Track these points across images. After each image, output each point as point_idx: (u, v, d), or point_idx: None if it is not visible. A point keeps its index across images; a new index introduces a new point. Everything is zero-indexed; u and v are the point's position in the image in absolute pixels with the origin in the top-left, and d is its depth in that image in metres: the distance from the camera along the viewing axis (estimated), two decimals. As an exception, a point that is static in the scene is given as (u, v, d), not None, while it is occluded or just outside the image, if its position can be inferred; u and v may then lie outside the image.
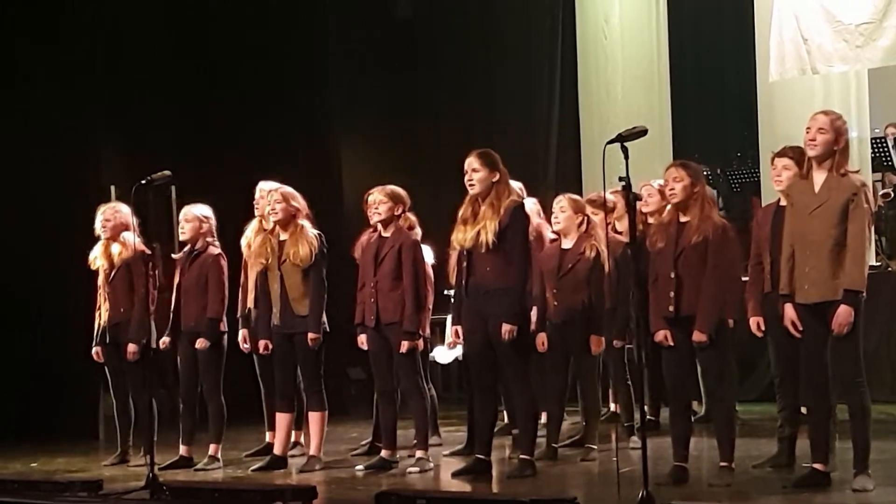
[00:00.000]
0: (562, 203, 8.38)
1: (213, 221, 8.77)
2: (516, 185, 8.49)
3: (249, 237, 8.80)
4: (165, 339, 8.70)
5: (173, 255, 8.83)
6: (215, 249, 8.71)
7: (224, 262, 8.68)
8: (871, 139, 12.38)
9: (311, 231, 8.30)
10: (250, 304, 8.77)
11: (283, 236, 8.30)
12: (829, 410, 6.94)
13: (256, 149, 11.55)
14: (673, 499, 6.07)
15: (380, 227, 8.20)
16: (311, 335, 8.20)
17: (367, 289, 8.16)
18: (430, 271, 8.88)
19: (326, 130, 12.73)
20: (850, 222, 6.67)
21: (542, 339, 8.17)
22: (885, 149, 12.68)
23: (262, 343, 8.46)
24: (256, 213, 8.86)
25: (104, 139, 11.48)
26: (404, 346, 8.02)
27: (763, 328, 7.60)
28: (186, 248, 8.75)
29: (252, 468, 8.46)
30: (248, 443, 9.32)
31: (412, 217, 8.28)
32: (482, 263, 7.57)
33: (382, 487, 7.21)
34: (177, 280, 8.72)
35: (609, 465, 7.66)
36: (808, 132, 6.75)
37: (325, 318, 8.29)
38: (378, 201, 8.17)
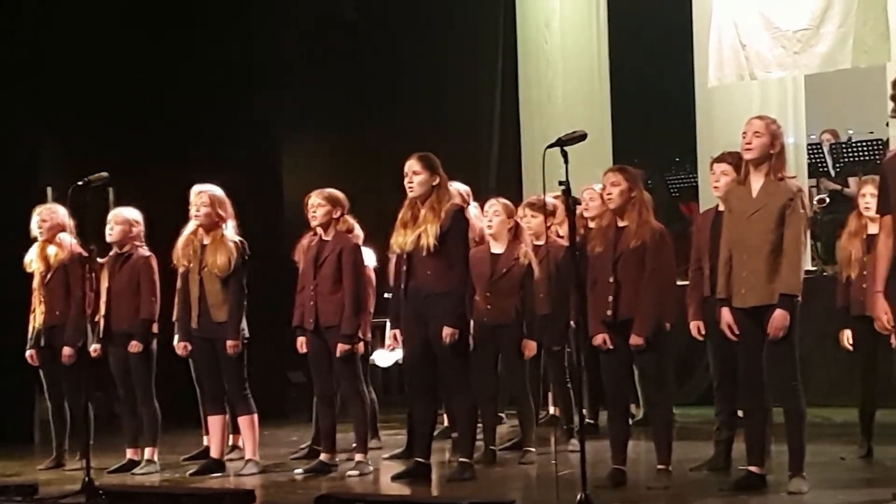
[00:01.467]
0: (495, 207, 8.41)
1: (142, 226, 8.71)
2: (463, 188, 8.54)
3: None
4: (96, 347, 8.63)
5: (98, 259, 8.72)
6: (145, 251, 8.65)
7: (154, 263, 8.62)
8: (808, 145, 12.51)
9: (233, 238, 8.24)
10: (185, 308, 8.76)
11: (206, 241, 8.26)
12: (765, 413, 6.99)
13: (197, 151, 11.48)
14: (611, 501, 6.11)
15: (320, 230, 8.19)
16: (229, 343, 8.17)
17: (307, 292, 8.15)
18: (372, 274, 8.88)
19: (269, 132, 12.67)
20: (787, 227, 6.73)
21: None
22: (821, 155, 12.82)
23: (180, 345, 8.41)
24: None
25: (41, 140, 11.37)
26: (341, 349, 8.01)
27: (703, 332, 7.65)
28: (113, 252, 8.68)
29: (189, 472, 8.41)
30: (187, 447, 9.26)
31: (350, 220, 8.28)
32: (422, 267, 7.57)
33: (321, 491, 7.19)
34: (105, 284, 8.64)
35: (548, 467, 7.69)
36: (744, 137, 6.81)
37: (244, 325, 8.26)
38: (315, 205, 8.16)
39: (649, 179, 13.56)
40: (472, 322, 7.97)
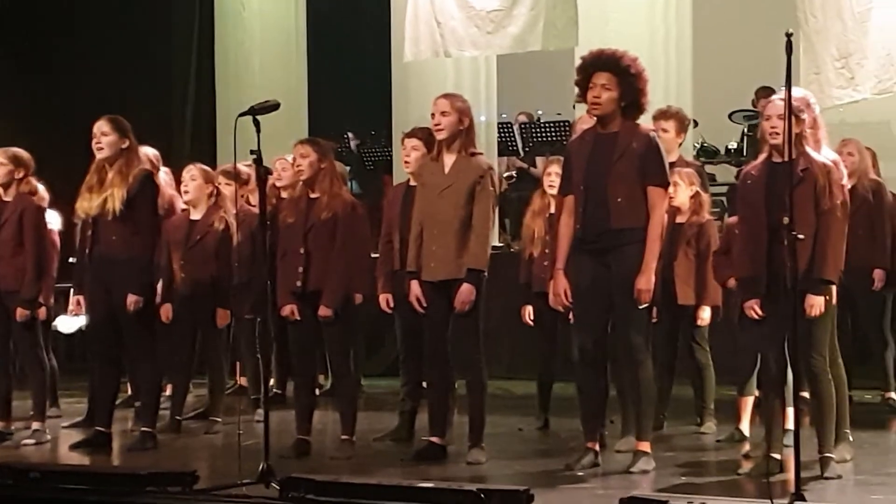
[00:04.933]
0: (192, 172, 8.34)
1: None
2: (152, 152, 8.38)
3: None
4: None
5: None
6: None
7: None
8: (498, 124, 12.82)
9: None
10: None
11: None
12: (448, 385, 7.15)
13: None
14: (293, 471, 6.10)
15: (0, 190, 7.90)
16: None
17: (-16, 255, 7.87)
18: (56, 238, 8.63)
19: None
20: (476, 204, 6.89)
21: (166, 311, 8.10)
22: (511, 134, 13.15)
23: None
24: None
25: None
26: (21, 314, 7.78)
27: (392, 305, 7.75)
28: None
29: None
30: None
31: (34, 182, 8.04)
32: (107, 232, 7.41)
33: (-5, 460, 6.95)
34: None
35: (233, 438, 7.61)
36: (432, 117, 6.93)
37: None
38: (-3, 164, 7.87)
39: (343, 151, 13.66)
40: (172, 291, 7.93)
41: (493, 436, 7.31)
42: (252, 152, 6.37)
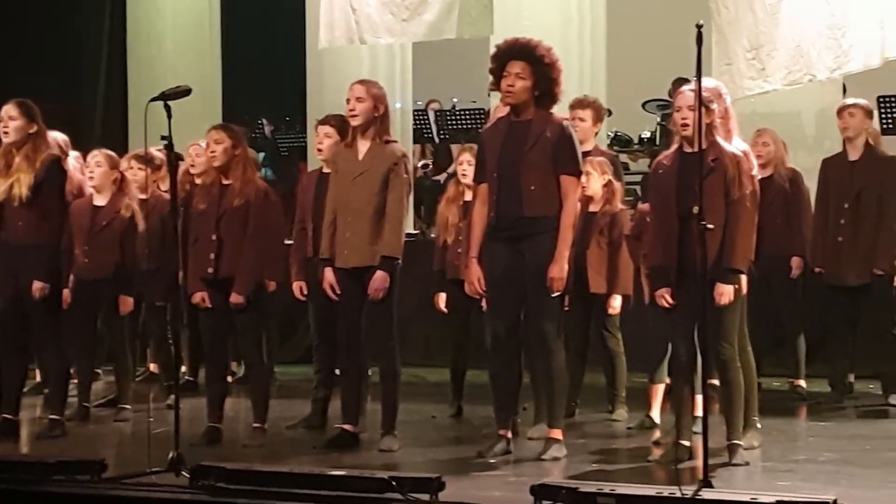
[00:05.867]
0: (97, 158, 8.24)
1: None
2: (60, 137, 8.28)
3: None
4: None
5: None
6: None
7: None
8: (414, 111, 12.81)
9: None
10: None
11: None
12: (361, 373, 7.14)
13: None
14: (204, 459, 6.07)
15: None
16: None
17: None
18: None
19: None
20: (390, 191, 6.89)
21: (65, 297, 7.98)
22: (426, 121, 13.15)
23: None
24: None
25: None
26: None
27: (305, 292, 7.72)
28: None
29: None
30: None
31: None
32: (14, 217, 7.32)
33: None
34: None
35: (143, 425, 7.54)
36: (347, 102, 6.91)
37: None
38: None
39: (257, 137, 13.59)
40: (74, 277, 7.82)
41: (406, 423, 7.32)
42: (163, 138, 6.31)
